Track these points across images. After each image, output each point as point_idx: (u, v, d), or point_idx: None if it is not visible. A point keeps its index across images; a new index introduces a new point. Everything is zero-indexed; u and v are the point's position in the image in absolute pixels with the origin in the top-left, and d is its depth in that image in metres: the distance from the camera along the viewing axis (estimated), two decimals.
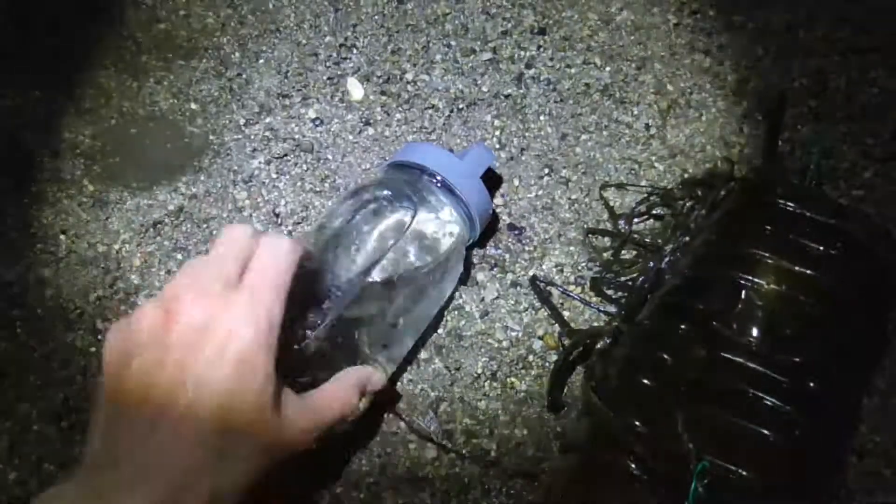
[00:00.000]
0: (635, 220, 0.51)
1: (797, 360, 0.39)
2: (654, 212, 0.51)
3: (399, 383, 0.46)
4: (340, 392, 0.38)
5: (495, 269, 0.49)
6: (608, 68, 0.57)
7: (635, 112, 0.55)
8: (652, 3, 0.59)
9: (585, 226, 0.51)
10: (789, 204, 0.43)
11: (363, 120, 0.55)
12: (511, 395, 0.46)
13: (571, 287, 0.49)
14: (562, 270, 0.50)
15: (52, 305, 0.47)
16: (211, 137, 0.54)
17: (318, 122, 0.55)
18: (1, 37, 0.57)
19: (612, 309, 0.48)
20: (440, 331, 0.47)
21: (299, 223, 0.51)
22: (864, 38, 0.56)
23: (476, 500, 0.42)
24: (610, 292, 0.48)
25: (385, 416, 0.45)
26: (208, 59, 0.57)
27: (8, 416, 0.44)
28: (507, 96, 0.56)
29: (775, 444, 0.37)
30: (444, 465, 0.43)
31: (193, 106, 0.55)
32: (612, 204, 0.52)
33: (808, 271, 0.41)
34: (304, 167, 0.53)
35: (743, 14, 0.59)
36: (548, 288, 0.49)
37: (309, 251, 0.39)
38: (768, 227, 0.43)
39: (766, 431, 0.37)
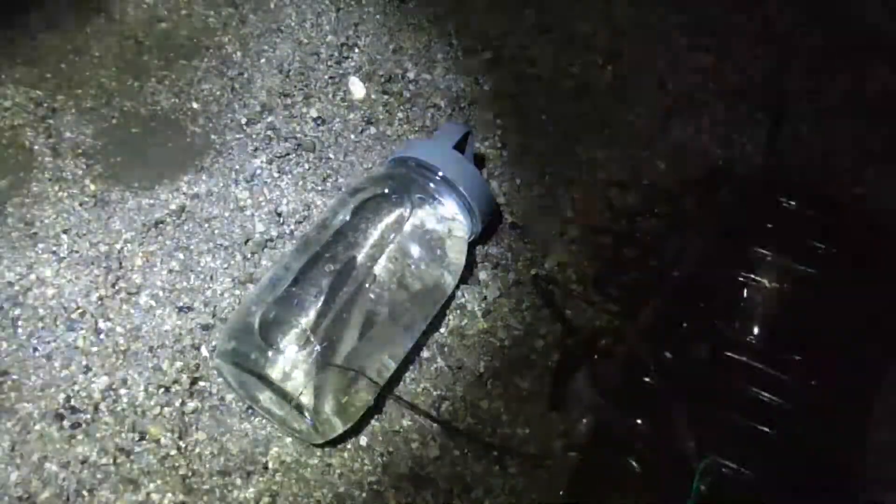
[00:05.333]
0: (637, 218, 0.51)
1: (799, 357, 0.39)
2: (655, 210, 0.51)
3: (402, 383, 0.46)
4: None
5: (497, 268, 0.49)
6: (610, 67, 0.57)
7: (637, 111, 0.55)
8: (654, 3, 0.59)
9: (587, 225, 0.51)
10: (791, 202, 0.43)
11: (365, 119, 0.55)
12: (513, 394, 0.46)
13: (573, 286, 0.49)
14: (564, 269, 0.50)
15: (53, 305, 0.47)
16: (212, 137, 0.54)
17: (319, 122, 0.55)
18: (1, 36, 0.57)
19: (614, 307, 0.48)
20: (442, 329, 0.47)
21: (301, 222, 0.51)
22: (864, 38, 0.56)
23: (478, 500, 0.42)
24: (612, 291, 0.48)
25: (387, 413, 0.45)
26: (210, 58, 0.57)
27: (9, 415, 0.44)
28: (508, 95, 0.56)
29: (777, 442, 0.37)
30: (447, 464, 0.43)
31: (195, 105, 0.55)
32: (613, 203, 0.52)
33: (810, 269, 0.41)
34: (306, 166, 0.53)
35: (743, 14, 0.59)
36: (550, 287, 0.49)
37: None
38: (770, 226, 0.43)
39: (767, 429, 0.37)
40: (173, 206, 0.51)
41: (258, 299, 0.42)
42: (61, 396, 0.44)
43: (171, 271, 0.49)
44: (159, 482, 0.42)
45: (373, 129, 0.54)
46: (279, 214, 0.51)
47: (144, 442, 0.43)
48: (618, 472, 0.38)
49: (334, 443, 0.43)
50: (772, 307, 0.40)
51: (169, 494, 0.41)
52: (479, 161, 0.53)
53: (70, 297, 0.47)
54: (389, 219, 0.44)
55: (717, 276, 0.42)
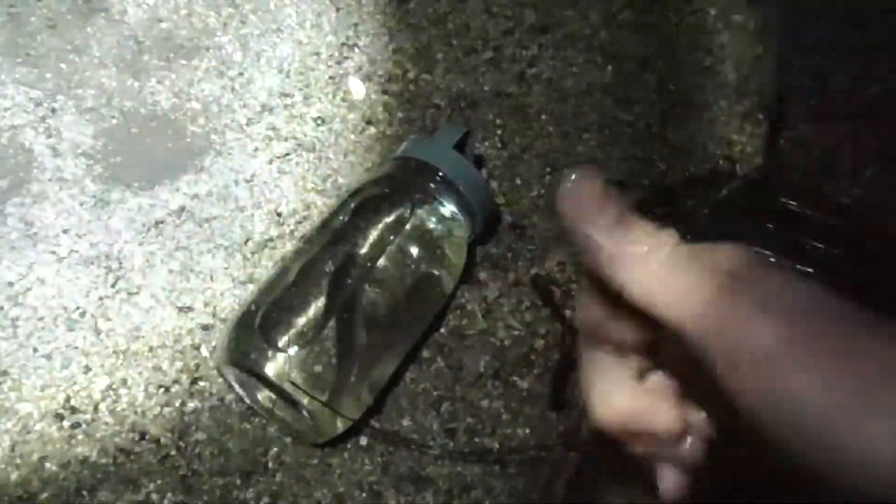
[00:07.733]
0: None
1: None
2: (655, 210, 0.51)
3: (402, 382, 0.46)
4: None
5: (497, 268, 0.49)
6: (610, 67, 0.57)
7: (637, 111, 0.55)
8: (653, 2, 0.59)
9: None
10: (790, 203, 0.43)
11: (365, 119, 0.55)
12: (513, 394, 0.46)
13: (573, 286, 0.49)
14: (564, 269, 0.50)
15: (53, 305, 0.47)
16: (213, 137, 0.54)
17: (319, 122, 0.55)
18: (1, 36, 0.57)
19: None
20: (442, 330, 0.47)
21: (301, 222, 0.51)
22: (865, 37, 0.56)
23: (478, 500, 0.42)
24: None
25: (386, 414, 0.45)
26: (210, 58, 0.57)
27: (9, 415, 0.44)
28: (508, 95, 0.56)
29: None
30: (447, 464, 0.43)
31: (195, 105, 0.55)
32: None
33: (809, 270, 0.41)
34: (306, 166, 0.53)
35: (743, 14, 0.59)
36: (550, 287, 0.49)
37: None
38: (770, 226, 0.43)
39: None
40: (173, 207, 0.51)
41: (258, 299, 0.42)
42: (61, 396, 0.44)
43: (171, 271, 0.49)
44: (159, 482, 0.42)
45: (372, 129, 0.54)
46: (279, 214, 0.51)
47: (144, 442, 0.43)
48: (618, 472, 0.38)
49: (334, 443, 0.43)
50: None
51: (169, 494, 0.41)
52: (479, 161, 0.53)
53: (70, 297, 0.47)
54: (389, 219, 0.44)
55: None
